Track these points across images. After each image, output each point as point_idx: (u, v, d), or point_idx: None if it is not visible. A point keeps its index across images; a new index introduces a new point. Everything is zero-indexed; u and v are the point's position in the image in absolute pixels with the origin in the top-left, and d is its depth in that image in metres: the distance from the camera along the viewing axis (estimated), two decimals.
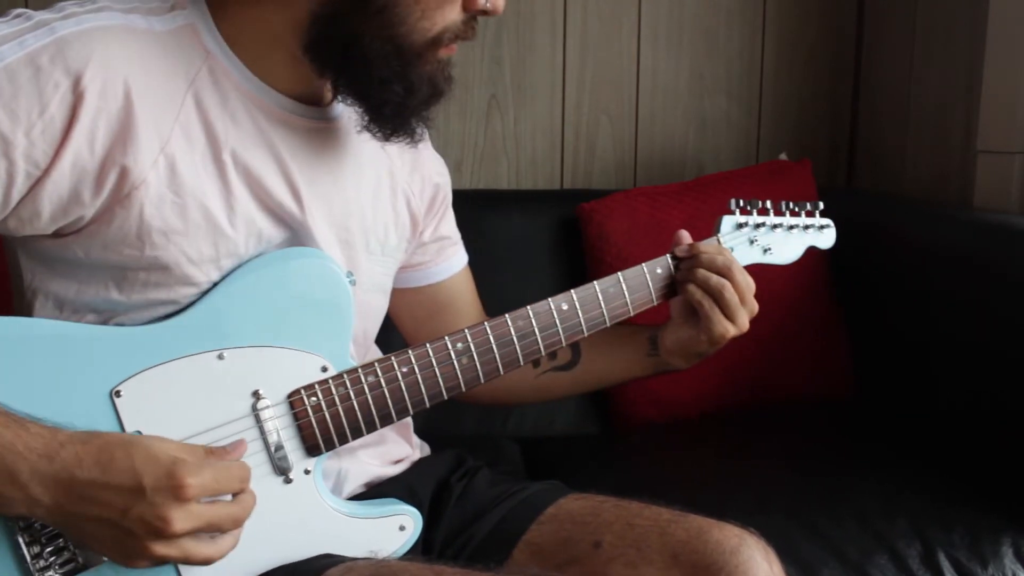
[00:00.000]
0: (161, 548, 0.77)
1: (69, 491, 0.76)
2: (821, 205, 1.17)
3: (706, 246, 1.06)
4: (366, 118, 0.92)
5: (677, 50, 1.97)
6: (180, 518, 0.77)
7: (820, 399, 1.66)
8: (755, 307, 1.06)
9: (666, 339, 1.10)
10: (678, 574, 0.91)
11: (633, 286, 1.05)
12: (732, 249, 1.10)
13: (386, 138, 0.93)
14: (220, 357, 0.87)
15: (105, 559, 0.82)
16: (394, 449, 1.09)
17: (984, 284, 1.43)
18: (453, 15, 0.89)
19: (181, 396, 0.86)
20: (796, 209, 1.15)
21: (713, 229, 1.12)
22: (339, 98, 0.93)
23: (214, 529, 0.80)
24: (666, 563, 0.92)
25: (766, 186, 1.72)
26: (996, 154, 1.61)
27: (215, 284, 0.89)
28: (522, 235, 1.73)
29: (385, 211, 1.05)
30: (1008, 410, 1.37)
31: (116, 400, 0.84)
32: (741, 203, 1.12)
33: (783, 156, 1.88)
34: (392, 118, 0.92)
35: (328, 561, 0.89)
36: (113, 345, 0.85)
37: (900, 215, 1.71)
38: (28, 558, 0.81)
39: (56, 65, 0.80)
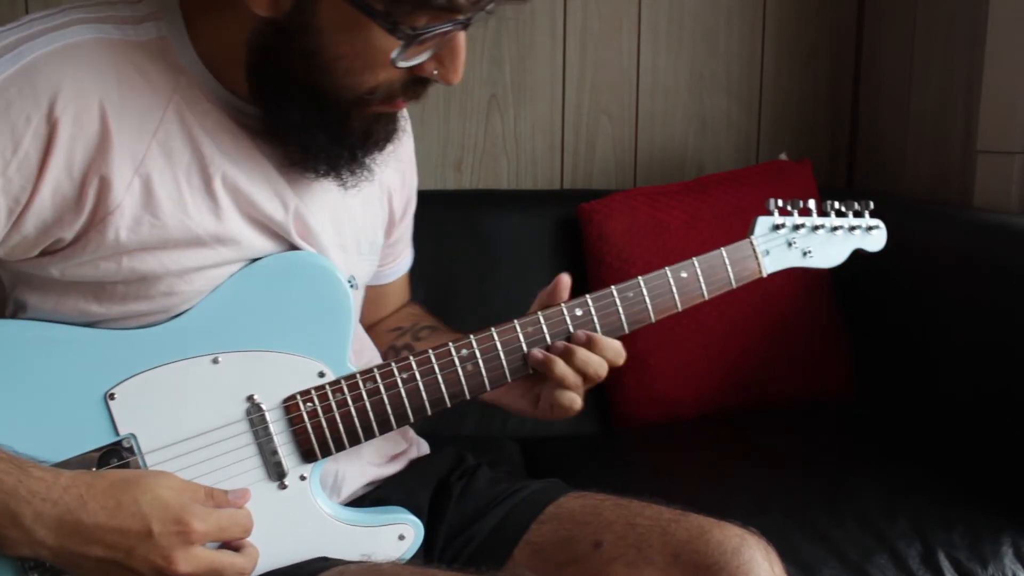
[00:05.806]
0: None
1: (74, 533, 0.76)
2: (871, 205, 1.10)
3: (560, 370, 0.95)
4: (294, 157, 0.87)
5: (677, 50, 1.97)
6: (184, 559, 0.78)
7: (820, 399, 1.66)
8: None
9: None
10: (679, 574, 0.90)
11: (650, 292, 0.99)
12: (767, 252, 1.04)
13: (317, 176, 0.89)
14: (215, 361, 0.87)
15: None
16: (389, 446, 1.08)
17: (984, 284, 1.43)
18: (385, 75, 0.82)
19: (175, 400, 0.85)
20: (843, 209, 1.09)
21: (747, 231, 1.05)
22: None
23: (216, 575, 0.81)
24: (667, 563, 0.91)
25: (766, 186, 1.72)
26: (996, 154, 1.61)
27: (215, 288, 0.87)
28: (522, 235, 1.72)
29: (374, 210, 1.04)
30: (1008, 410, 1.37)
31: (110, 403, 0.83)
32: (780, 203, 1.05)
33: (783, 156, 1.88)
34: (321, 161, 0.87)
35: (321, 565, 0.89)
36: (107, 348, 0.84)
37: (900, 215, 1.70)
38: None
39: (26, 96, 0.77)
